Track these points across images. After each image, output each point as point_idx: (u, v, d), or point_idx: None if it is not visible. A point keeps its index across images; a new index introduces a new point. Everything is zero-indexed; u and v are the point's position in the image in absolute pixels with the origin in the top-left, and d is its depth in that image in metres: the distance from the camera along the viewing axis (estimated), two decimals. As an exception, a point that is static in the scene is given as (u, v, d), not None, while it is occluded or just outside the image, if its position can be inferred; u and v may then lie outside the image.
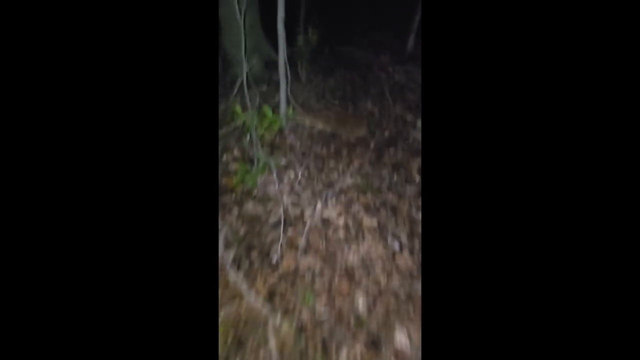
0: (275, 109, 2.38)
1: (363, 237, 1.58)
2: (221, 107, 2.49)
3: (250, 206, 1.72)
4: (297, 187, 1.83)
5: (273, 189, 1.80)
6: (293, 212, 1.69)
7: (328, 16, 3.12)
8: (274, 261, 1.43)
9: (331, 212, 1.71)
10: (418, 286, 1.36)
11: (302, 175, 1.94)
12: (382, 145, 2.31)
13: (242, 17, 1.46)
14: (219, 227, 1.58)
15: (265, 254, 1.47)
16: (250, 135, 1.82)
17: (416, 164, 2.13)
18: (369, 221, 1.67)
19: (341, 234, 1.59)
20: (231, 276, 1.34)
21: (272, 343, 1.16)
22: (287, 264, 1.42)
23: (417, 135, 2.43)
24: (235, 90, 1.57)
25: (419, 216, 1.73)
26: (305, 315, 1.23)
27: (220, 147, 2.12)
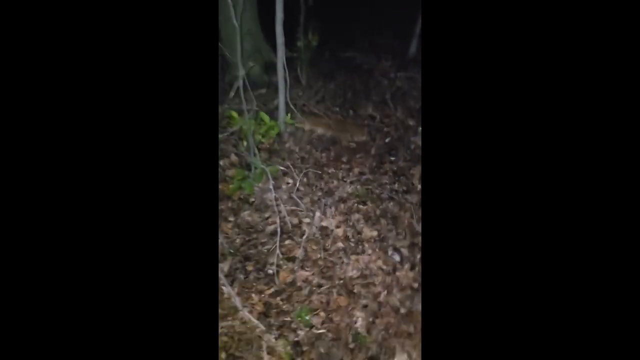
0: (275, 112, 2.33)
1: (363, 249, 1.52)
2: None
3: (246, 214, 1.66)
4: (295, 194, 1.78)
5: (270, 196, 1.75)
6: (291, 221, 1.64)
7: (328, 17, 3.07)
8: (270, 272, 1.38)
9: (330, 222, 1.66)
10: (419, 301, 1.31)
11: (301, 182, 1.88)
12: (383, 151, 2.26)
13: (239, 19, 1.41)
14: (214, 236, 1.53)
15: (262, 266, 1.41)
16: (247, 141, 1.77)
17: (418, 171, 2.08)
18: (369, 232, 1.62)
19: (340, 245, 1.54)
20: (225, 290, 1.29)
21: (267, 362, 1.11)
22: (284, 277, 1.37)
23: (419, 142, 2.38)
24: (232, 94, 1.52)
25: (420, 227, 1.68)
26: (302, 333, 1.18)
27: (217, 152, 2.07)
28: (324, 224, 1.65)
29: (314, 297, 1.30)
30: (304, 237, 1.54)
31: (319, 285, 1.34)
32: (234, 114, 1.64)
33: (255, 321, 1.20)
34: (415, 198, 1.86)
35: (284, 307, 1.26)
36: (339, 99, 2.82)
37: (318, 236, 1.57)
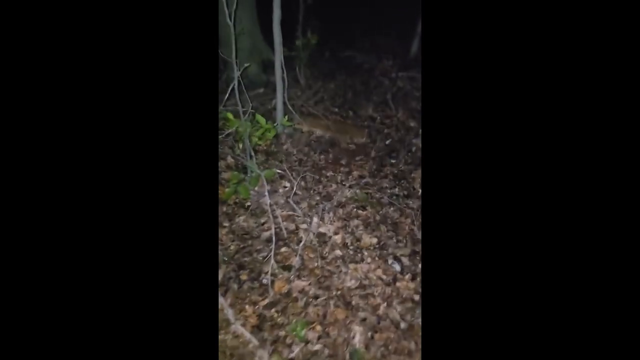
0: (273, 112, 2.27)
1: (362, 258, 1.46)
2: (215, 110, 2.37)
3: (242, 220, 1.60)
4: (292, 199, 1.72)
5: (266, 201, 1.69)
6: (287, 227, 1.58)
7: (328, 16, 3.01)
8: (264, 282, 1.32)
9: (328, 228, 1.59)
10: (419, 314, 1.25)
11: (298, 186, 1.82)
12: (383, 154, 2.20)
13: (232, 18, 1.34)
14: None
15: (256, 275, 1.35)
16: (243, 143, 1.70)
17: (419, 175, 2.02)
18: (368, 239, 1.56)
19: (338, 252, 1.48)
20: (218, 301, 1.23)
21: (259, 380, 1.05)
22: (279, 287, 1.31)
23: (420, 144, 2.32)
24: (227, 94, 1.46)
25: (421, 234, 1.62)
26: (297, 348, 1.12)
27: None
28: (321, 230, 1.59)
29: (310, 309, 1.24)
30: (301, 244, 1.48)
31: (316, 297, 1.28)
32: (230, 116, 1.58)
33: (249, 335, 1.14)
34: (416, 203, 1.80)
35: (278, 319, 1.20)
36: (339, 100, 2.75)
37: (315, 243, 1.51)
